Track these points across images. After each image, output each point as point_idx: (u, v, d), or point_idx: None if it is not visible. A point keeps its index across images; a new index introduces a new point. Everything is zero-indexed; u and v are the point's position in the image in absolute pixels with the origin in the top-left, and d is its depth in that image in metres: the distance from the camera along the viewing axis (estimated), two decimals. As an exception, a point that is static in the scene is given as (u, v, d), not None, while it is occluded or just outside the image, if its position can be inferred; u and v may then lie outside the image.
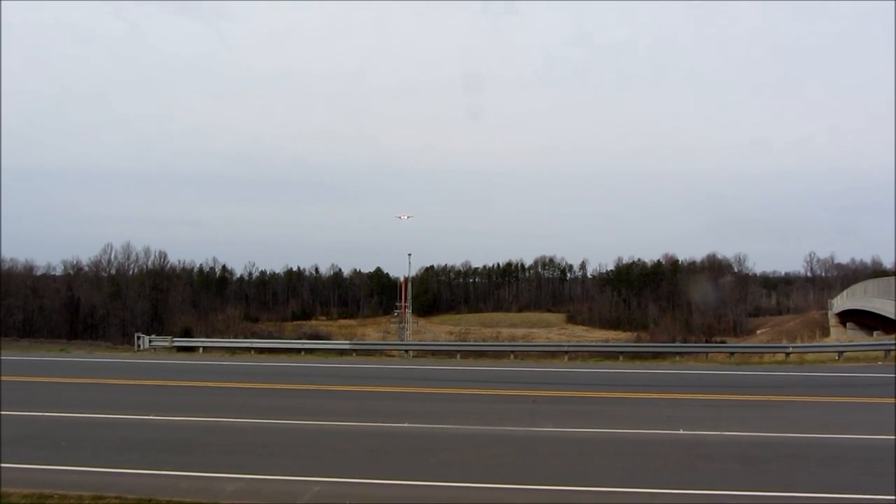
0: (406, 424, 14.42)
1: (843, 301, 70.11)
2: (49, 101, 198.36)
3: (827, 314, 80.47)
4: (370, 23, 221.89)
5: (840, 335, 65.96)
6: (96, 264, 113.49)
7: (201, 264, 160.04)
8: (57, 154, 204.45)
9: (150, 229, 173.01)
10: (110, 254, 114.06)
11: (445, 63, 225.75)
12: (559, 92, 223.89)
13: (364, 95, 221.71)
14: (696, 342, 69.39)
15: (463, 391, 20.09)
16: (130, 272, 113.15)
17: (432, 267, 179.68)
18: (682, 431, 13.76)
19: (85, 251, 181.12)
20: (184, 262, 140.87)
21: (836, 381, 22.65)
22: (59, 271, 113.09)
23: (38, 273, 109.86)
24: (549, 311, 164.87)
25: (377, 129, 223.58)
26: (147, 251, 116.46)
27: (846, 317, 67.25)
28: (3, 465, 10.87)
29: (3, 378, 21.39)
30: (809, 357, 30.67)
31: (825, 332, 73.63)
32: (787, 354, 31.13)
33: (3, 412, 15.20)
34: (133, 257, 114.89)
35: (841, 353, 30.52)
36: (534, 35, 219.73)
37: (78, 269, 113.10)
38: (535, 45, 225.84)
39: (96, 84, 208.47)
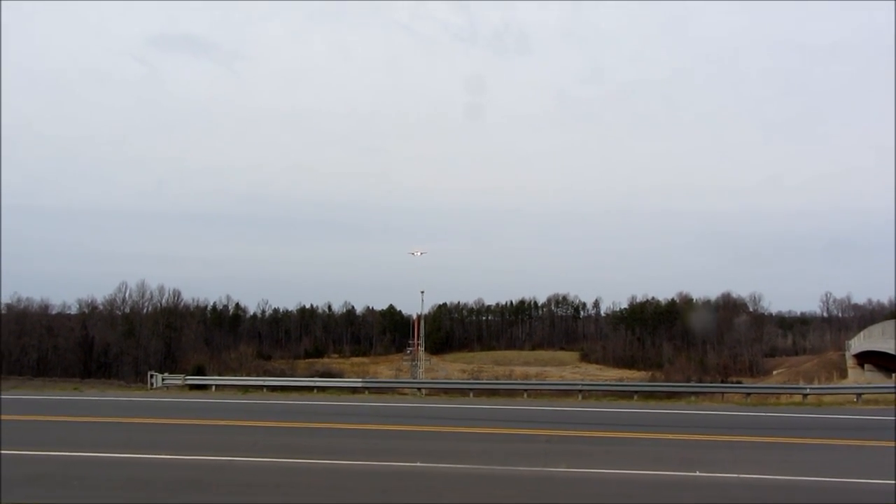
0: (418, 464, 14.30)
1: (860, 342, 69.25)
2: (69, 144, 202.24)
3: (844, 355, 79.47)
4: (383, 62, 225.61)
5: (858, 377, 65.06)
6: (111, 303, 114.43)
7: (215, 302, 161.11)
8: (73, 195, 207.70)
9: (164, 267, 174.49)
10: (125, 292, 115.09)
11: (457, 102, 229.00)
12: (571, 130, 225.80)
13: (377, 134, 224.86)
14: (711, 382, 68.52)
15: (476, 430, 19.94)
16: (144, 310, 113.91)
17: (445, 304, 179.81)
18: (698, 473, 13.55)
19: (100, 289, 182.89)
20: (197, 300, 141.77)
21: (855, 423, 22.30)
22: (74, 310, 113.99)
23: (54, 312, 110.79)
24: (562, 349, 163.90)
25: (389, 167, 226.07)
26: (161, 289, 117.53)
27: (864, 358, 66.39)
28: None
29: (17, 418, 21.59)
30: (827, 399, 30.26)
31: (843, 374, 72.53)
32: (805, 396, 30.72)
33: (16, 451, 15.32)
34: (147, 295, 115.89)
35: (859, 395, 30.13)
36: (546, 74, 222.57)
37: (93, 307, 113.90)
38: (548, 84, 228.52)
39: (114, 126, 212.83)
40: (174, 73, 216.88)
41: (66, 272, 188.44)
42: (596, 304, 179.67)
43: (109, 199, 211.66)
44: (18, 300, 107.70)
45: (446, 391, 34.75)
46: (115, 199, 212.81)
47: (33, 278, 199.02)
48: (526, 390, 33.04)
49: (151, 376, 35.92)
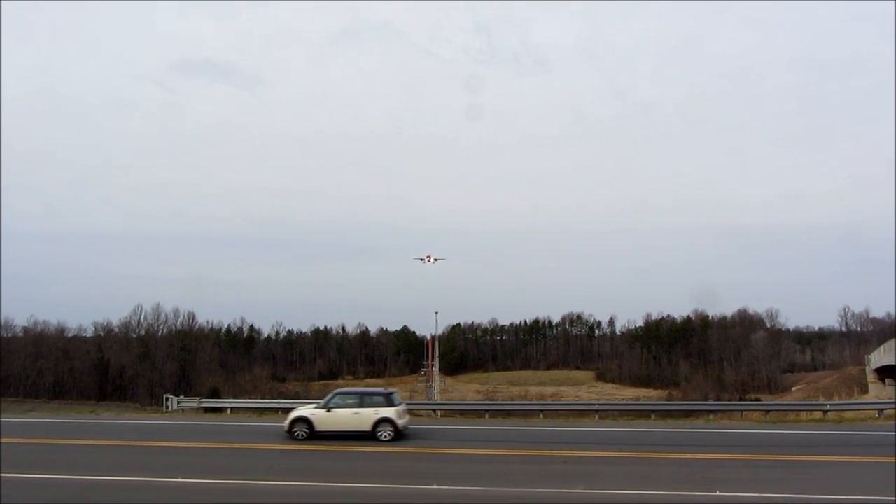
0: (434, 486, 14.21)
1: (880, 356, 68.34)
2: (88, 169, 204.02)
3: (864, 370, 78.45)
4: (401, 85, 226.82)
5: (879, 392, 64.16)
6: (126, 325, 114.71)
7: (229, 324, 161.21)
8: (90, 219, 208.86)
9: (179, 290, 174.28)
10: (140, 315, 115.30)
11: (474, 122, 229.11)
12: (587, 149, 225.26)
13: (394, 156, 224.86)
14: (729, 400, 67.79)
15: (492, 452, 19.81)
16: (159, 333, 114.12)
17: (459, 325, 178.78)
18: (718, 493, 13.38)
19: (115, 313, 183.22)
20: (212, 323, 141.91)
21: (878, 439, 21.95)
22: (89, 333, 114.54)
23: (70, 335, 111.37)
24: (577, 368, 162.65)
25: (406, 188, 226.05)
26: (176, 312, 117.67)
27: (884, 372, 65.47)
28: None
29: (34, 441, 21.72)
30: (848, 415, 29.85)
31: (863, 389, 71.55)
32: (825, 412, 30.30)
33: (33, 476, 15.46)
34: (162, 318, 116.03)
35: (881, 410, 29.67)
36: (563, 94, 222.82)
37: (108, 330, 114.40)
38: (565, 104, 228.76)
39: (135, 152, 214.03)
40: (196, 98, 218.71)
41: (82, 295, 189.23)
42: (611, 323, 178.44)
43: (127, 222, 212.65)
44: (35, 323, 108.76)
45: (461, 412, 34.56)
46: (132, 222, 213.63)
47: (50, 302, 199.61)
48: (542, 411, 32.77)
49: (167, 399, 36.01)
